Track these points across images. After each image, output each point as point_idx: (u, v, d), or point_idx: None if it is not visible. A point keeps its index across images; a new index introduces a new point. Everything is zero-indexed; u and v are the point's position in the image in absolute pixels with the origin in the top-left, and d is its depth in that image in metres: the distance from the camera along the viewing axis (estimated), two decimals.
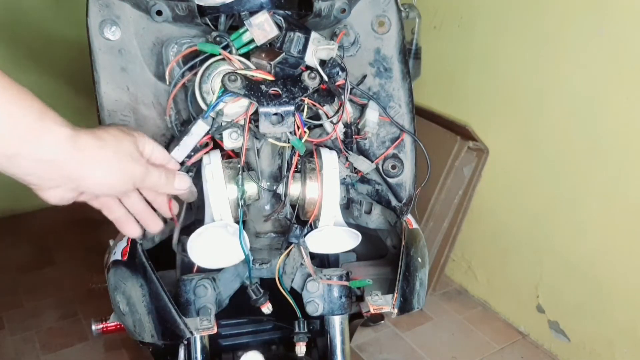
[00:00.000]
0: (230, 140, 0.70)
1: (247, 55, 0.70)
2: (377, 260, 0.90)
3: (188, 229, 0.73)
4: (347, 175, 0.78)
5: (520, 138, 1.67)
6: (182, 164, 0.68)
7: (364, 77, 0.80)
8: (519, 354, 1.75)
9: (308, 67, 0.71)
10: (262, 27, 0.68)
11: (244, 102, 0.68)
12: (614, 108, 1.39)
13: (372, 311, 0.74)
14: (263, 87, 0.67)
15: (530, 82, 1.59)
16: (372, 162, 0.79)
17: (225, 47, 0.69)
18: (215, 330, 0.70)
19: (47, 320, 1.79)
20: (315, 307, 0.74)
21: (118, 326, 0.84)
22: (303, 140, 0.70)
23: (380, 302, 0.74)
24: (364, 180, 0.83)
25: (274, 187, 0.75)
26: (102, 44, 0.72)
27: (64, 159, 0.50)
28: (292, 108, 0.66)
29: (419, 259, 0.78)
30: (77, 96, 2.17)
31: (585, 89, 1.44)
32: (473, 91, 1.80)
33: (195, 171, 0.70)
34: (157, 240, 0.80)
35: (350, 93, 0.77)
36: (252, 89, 0.66)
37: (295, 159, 0.73)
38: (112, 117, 0.73)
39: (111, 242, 0.78)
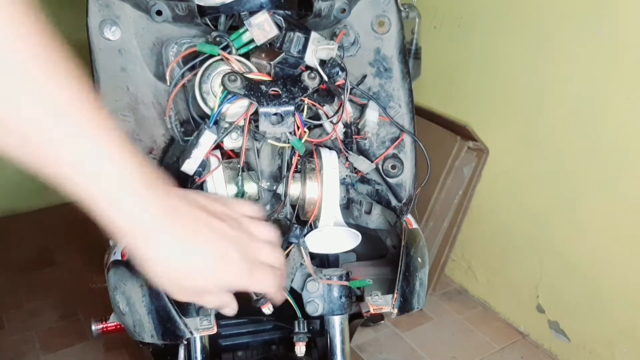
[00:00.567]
0: (230, 140, 0.70)
1: (247, 55, 0.70)
2: (377, 260, 0.90)
3: None
4: (347, 175, 0.78)
5: (520, 138, 1.67)
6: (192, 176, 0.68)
7: (364, 77, 0.80)
8: (519, 354, 1.75)
9: (308, 67, 0.71)
10: (262, 27, 0.68)
11: (244, 102, 0.68)
12: (614, 108, 1.39)
13: (372, 311, 0.74)
14: (263, 87, 0.67)
15: (530, 82, 1.59)
16: (372, 162, 0.79)
17: (225, 48, 0.69)
18: (215, 330, 0.70)
19: (47, 320, 1.79)
20: (315, 307, 0.74)
21: (118, 326, 0.84)
22: (303, 140, 0.70)
23: (380, 302, 0.74)
24: (364, 180, 0.83)
25: (274, 187, 0.75)
26: (102, 44, 0.72)
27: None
28: (292, 108, 0.66)
29: (419, 259, 0.78)
30: None
31: (585, 89, 1.44)
32: (473, 91, 1.79)
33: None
34: None
35: (350, 93, 0.77)
36: (252, 89, 0.66)
37: (295, 159, 0.73)
38: (112, 117, 0.73)
39: (111, 242, 0.78)
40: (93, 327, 0.85)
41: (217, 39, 0.71)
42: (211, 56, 0.69)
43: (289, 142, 0.70)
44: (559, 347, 1.71)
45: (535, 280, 1.73)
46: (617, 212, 1.44)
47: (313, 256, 0.79)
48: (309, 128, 0.74)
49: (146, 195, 0.43)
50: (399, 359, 1.71)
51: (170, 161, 0.77)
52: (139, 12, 0.73)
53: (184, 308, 0.73)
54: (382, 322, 1.79)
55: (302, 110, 0.70)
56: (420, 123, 1.60)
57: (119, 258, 0.72)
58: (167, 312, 0.68)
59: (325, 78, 0.70)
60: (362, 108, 0.79)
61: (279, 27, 0.70)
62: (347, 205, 0.89)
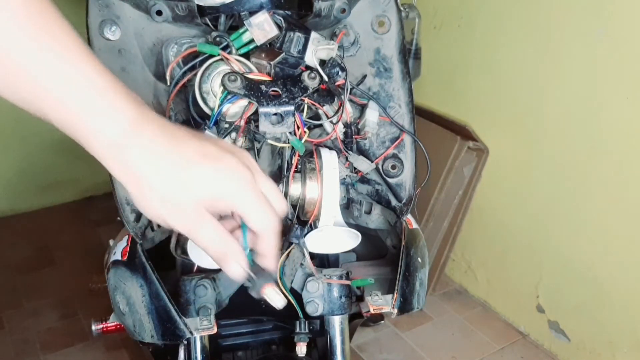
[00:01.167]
0: (230, 140, 0.70)
1: (247, 55, 0.70)
2: (377, 260, 0.90)
3: None
4: (347, 175, 0.78)
5: (520, 138, 1.67)
6: None
7: (364, 77, 0.80)
8: (519, 354, 1.75)
9: (308, 67, 0.71)
10: (262, 27, 0.68)
11: (244, 102, 0.68)
12: (614, 108, 1.39)
13: (372, 311, 0.74)
14: (263, 87, 0.67)
15: (530, 82, 1.59)
16: (372, 162, 0.79)
17: (225, 48, 0.69)
18: (215, 330, 0.70)
19: (47, 320, 1.79)
20: (315, 307, 0.74)
21: (118, 326, 0.84)
22: (303, 141, 0.70)
23: (380, 302, 0.74)
24: (364, 180, 0.83)
25: None
26: (102, 44, 0.72)
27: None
28: (292, 108, 0.66)
29: (419, 259, 0.78)
30: None
31: (585, 89, 1.44)
32: (473, 91, 1.79)
33: None
34: (157, 240, 0.80)
35: (350, 93, 0.77)
36: (252, 89, 0.66)
37: (295, 159, 0.73)
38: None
39: (111, 242, 0.78)
40: (93, 327, 0.85)
41: (217, 39, 0.71)
42: (211, 56, 0.69)
43: (289, 142, 0.70)
44: (559, 347, 1.71)
45: (535, 280, 1.73)
46: (617, 211, 1.44)
47: (313, 256, 0.79)
48: (309, 128, 0.74)
49: (138, 119, 0.43)
50: (399, 359, 1.71)
51: None
52: (139, 12, 0.73)
53: (184, 308, 0.73)
54: (382, 322, 1.79)
55: (302, 110, 0.70)
56: (420, 123, 1.61)
57: (119, 258, 0.72)
58: (167, 312, 0.68)
59: (325, 78, 0.70)
60: (362, 108, 0.79)
61: (279, 27, 0.70)
62: (347, 205, 0.89)
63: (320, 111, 0.73)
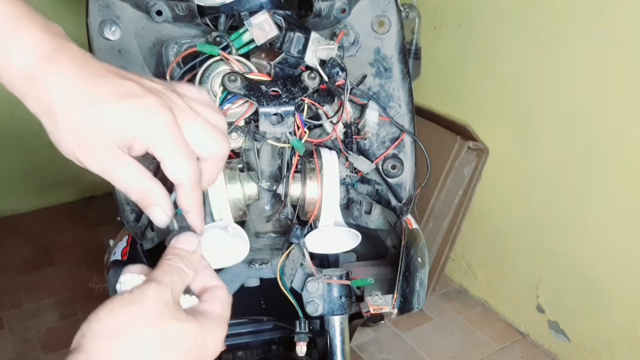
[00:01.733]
0: (230, 140, 0.70)
1: (247, 56, 0.70)
2: (377, 260, 0.90)
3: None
4: (347, 175, 0.78)
5: (520, 138, 1.67)
6: None
7: (364, 77, 0.80)
8: (519, 354, 1.75)
9: (308, 67, 0.71)
10: (262, 27, 0.68)
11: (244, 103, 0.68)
12: (614, 108, 1.39)
13: (372, 311, 0.74)
14: (263, 87, 0.67)
15: (530, 82, 1.59)
16: (372, 162, 0.79)
17: (225, 48, 0.69)
18: None
19: (47, 320, 1.79)
20: (315, 307, 0.74)
21: None
22: (303, 141, 0.70)
23: (380, 302, 0.74)
24: (364, 180, 0.83)
25: (274, 188, 0.75)
26: (102, 44, 0.72)
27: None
28: (292, 108, 0.66)
29: (419, 259, 0.78)
30: None
31: (585, 89, 1.44)
32: (473, 91, 1.80)
33: None
34: (156, 240, 0.80)
35: (350, 93, 0.77)
36: (252, 89, 0.66)
37: (295, 159, 0.73)
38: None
39: (111, 242, 0.78)
40: None
41: (217, 39, 0.70)
42: (211, 56, 0.69)
43: (289, 142, 0.70)
44: (559, 347, 1.71)
45: (535, 280, 1.73)
46: (617, 211, 1.44)
47: (313, 256, 0.79)
48: (309, 128, 0.74)
49: (54, 50, 0.41)
50: (398, 359, 1.72)
51: None
52: (139, 12, 0.73)
53: None
54: (382, 322, 1.79)
55: (302, 110, 0.70)
56: (420, 123, 1.61)
57: (119, 258, 0.72)
58: None
59: (325, 78, 0.70)
60: (362, 108, 0.79)
61: (279, 27, 0.70)
62: (347, 205, 0.89)
63: (320, 111, 0.73)
